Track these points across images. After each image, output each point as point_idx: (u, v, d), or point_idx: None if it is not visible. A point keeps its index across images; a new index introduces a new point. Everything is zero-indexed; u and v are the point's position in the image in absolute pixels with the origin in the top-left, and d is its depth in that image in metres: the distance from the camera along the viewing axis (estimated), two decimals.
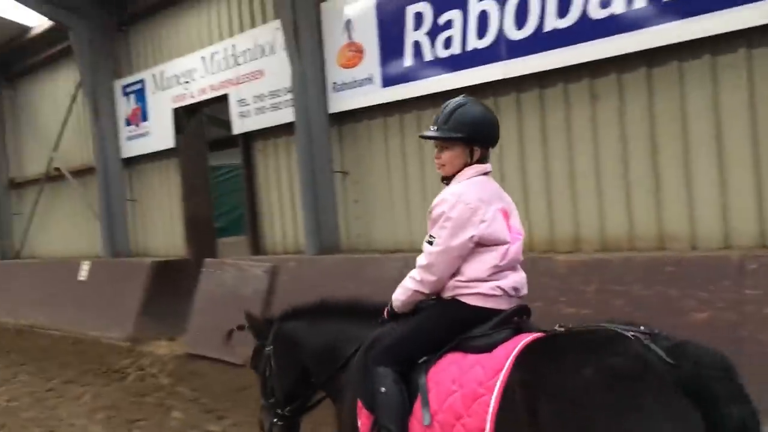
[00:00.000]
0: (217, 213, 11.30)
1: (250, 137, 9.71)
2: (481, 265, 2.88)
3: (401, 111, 7.90)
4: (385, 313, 3.16)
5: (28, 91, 14.65)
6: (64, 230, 14.08)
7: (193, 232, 10.70)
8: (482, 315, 2.84)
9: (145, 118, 11.35)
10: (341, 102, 8.28)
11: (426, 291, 2.96)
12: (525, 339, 2.66)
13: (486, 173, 3.06)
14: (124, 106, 11.75)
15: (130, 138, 11.75)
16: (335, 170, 8.44)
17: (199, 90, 10.21)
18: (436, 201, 2.98)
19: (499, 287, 2.87)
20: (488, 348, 2.71)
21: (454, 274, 2.91)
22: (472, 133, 2.98)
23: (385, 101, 7.91)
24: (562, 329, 2.63)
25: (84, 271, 11.68)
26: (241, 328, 3.81)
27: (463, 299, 2.89)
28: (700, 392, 2.14)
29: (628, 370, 2.22)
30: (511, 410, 2.45)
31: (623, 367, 2.23)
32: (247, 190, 9.72)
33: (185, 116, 10.74)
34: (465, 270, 2.90)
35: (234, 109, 9.58)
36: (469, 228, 2.85)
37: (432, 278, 2.92)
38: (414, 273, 3.01)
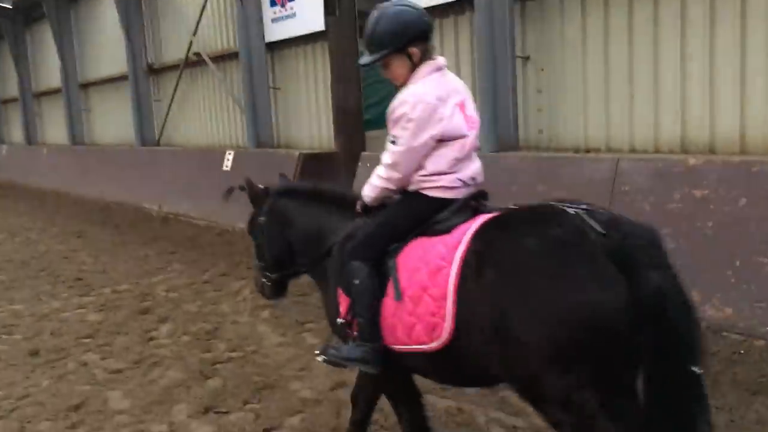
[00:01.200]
0: (365, 104, 10.51)
1: None
2: (441, 159, 3.04)
3: None
4: (359, 207, 3.35)
5: None
6: (203, 118, 13.78)
7: (341, 123, 9.98)
8: (444, 204, 3.05)
9: None
10: None
11: (393, 187, 3.18)
12: (482, 218, 2.88)
13: (439, 68, 3.10)
14: None
15: (274, 20, 10.97)
16: (517, 55, 7.33)
17: None
18: (395, 102, 3.04)
19: (458, 179, 3.06)
20: (450, 230, 2.92)
21: (417, 169, 3.07)
22: (395, 42, 3.04)
23: None
24: (515, 207, 2.86)
25: (228, 161, 11.32)
26: (241, 188, 3.88)
27: (426, 192, 3.08)
28: (625, 259, 2.35)
29: (565, 239, 2.45)
30: (468, 277, 2.69)
31: (560, 236, 2.47)
32: None
33: None
34: (427, 165, 3.06)
35: None
36: (429, 127, 2.99)
37: (397, 175, 3.11)
38: (380, 171, 3.19)
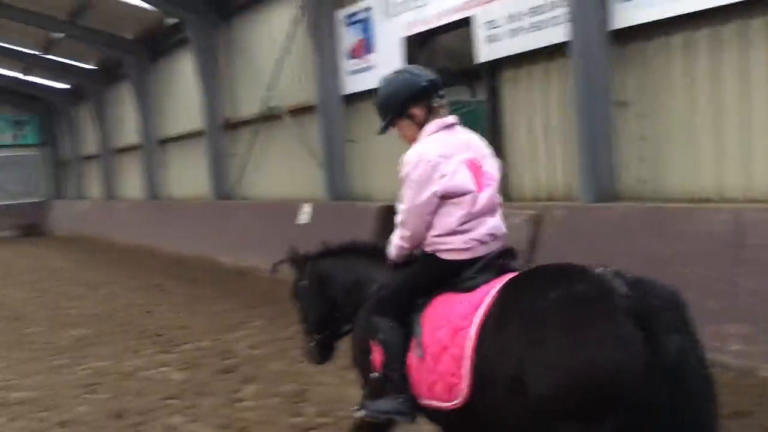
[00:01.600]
0: None
1: (496, 66, 8.45)
2: (449, 218, 3.04)
3: (712, 22, 6.23)
4: (389, 263, 3.40)
5: (244, 29, 14.36)
6: (279, 171, 13.80)
7: None
8: (463, 265, 3.04)
9: (369, 50, 10.45)
10: (625, 16, 6.74)
11: (407, 245, 3.23)
12: (506, 277, 2.88)
13: (446, 126, 3.15)
14: (347, 38, 10.94)
15: (352, 73, 10.95)
16: (615, 100, 6.96)
17: (435, 14, 9.07)
18: (401, 162, 3.12)
19: (471, 239, 3.04)
20: (473, 289, 2.94)
21: (428, 228, 3.09)
22: (393, 106, 3.19)
23: (687, 11, 6.28)
24: (541, 266, 2.89)
25: (305, 214, 11.20)
26: (284, 262, 4.02)
27: (440, 255, 3.10)
28: (646, 321, 2.35)
29: (587, 296, 2.47)
30: (488, 339, 2.68)
31: (583, 293, 2.48)
32: (489, 127, 8.51)
33: (416, 46, 9.67)
34: (436, 224, 3.08)
35: (480, 32, 8.33)
36: (431, 185, 3.02)
37: (408, 233, 3.17)
38: (396, 231, 3.27)
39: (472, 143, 3.18)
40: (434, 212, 3.06)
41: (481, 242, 3.06)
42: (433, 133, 3.13)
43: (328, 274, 3.75)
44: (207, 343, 7.65)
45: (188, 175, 18.05)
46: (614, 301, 2.40)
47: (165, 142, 19.27)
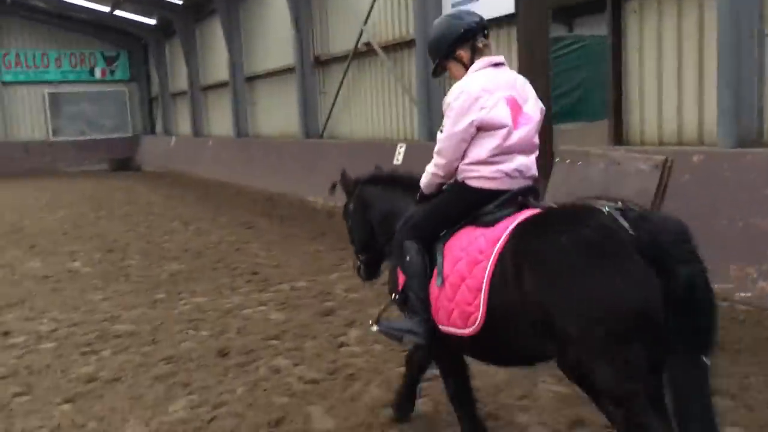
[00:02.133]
0: (553, 95, 9.57)
1: None
2: (481, 149, 3.22)
3: None
4: (418, 195, 3.59)
5: None
6: (371, 110, 13.37)
7: None
8: (488, 195, 3.22)
9: None
10: None
11: (441, 173, 3.40)
12: (523, 215, 3.03)
13: (495, 64, 3.33)
14: None
15: (456, 5, 10.28)
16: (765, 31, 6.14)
17: None
18: (447, 94, 3.31)
19: (500, 170, 3.21)
20: (493, 223, 3.11)
21: (462, 158, 3.28)
22: (440, 52, 3.41)
23: None
24: (555, 206, 3.16)
25: (399, 155, 10.78)
26: (337, 184, 4.24)
27: (469, 182, 3.28)
28: (655, 255, 2.50)
29: (594, 238, 2.62)
30: (503, 273, 2.88)
31: (590, 236, 2.63)
32: (612, 64, 7.78)
33: None
34: (469, 153, 3.26)
35: None
36: (469, 114, 3.19)
37: (442, 161, 3.33)
38: (433, 160, 3.41)
39: (517, 83, 3.33)
40: (469, 141, 3.24)
41: (509, 176, 3.23)
42: (478, 70, 3.30)
43: (369, 201, 3.94)
44: (303, 284, 7.46)
45: (277, 113, 17.88)
46: (620, 242, 2.56)
47: (254, 78, 19.11)
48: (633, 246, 2.53)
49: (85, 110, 28.81)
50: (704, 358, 2.47)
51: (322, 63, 14.94)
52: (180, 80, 25.41)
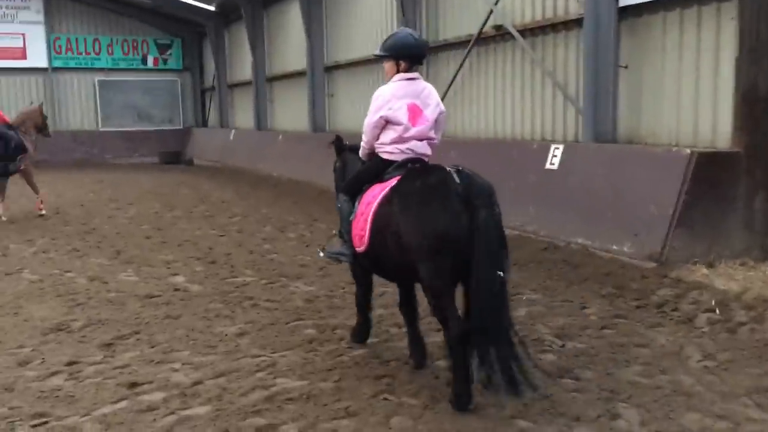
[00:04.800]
0: None
1: None
2: (387, 136, 4.72)
3: None
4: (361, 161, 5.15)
5: None
6: (499, 104, 11.48)
7: (748, 113, 7.28)
8: (390, 164, 4.71)
9: None
10: None
11: (366, 148, 4.95)
12: (405, 173, 4.49)
13: (409, 78, 4.76)
14: None
15: None
16: None
17: None
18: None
19: (398, 149, 4.69)
20: (388, 179, 4.57)
21: (377, 140, 4.79)
22: (395, 53, 4.76)
23: None
24: (421, 166, 4.60)
25: (555, 158, 8.97)
26: (331, 143, 5.56)
27: (381, 155, 4.79)
28: (468, 199, 3.93)
29: (433, 183, 4.09)
30: (381, 206, 4.38)
31: (431, 182, 4.11)
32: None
33: None
34: (381, 137, 4.76)
35: None
36: (380, 111, 4.69)
37: (365, 140, 4.90)
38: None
39: (423, 93, 4.76)
40: (381, 130, 4.74)
41: (403, 153, 4.68)
42: (397, 80, 4.75)
43: (347, 163, 5.31)
44: None
45: (360, 106, 16.16)
46: (450, 188, 3.99)
47: (333, 68, 17.45)
48: (455, 192, 3.97)
49: (136, 100, 27.34)
50: (499, 273, 3.87)
51: (439, 48, 13.03)
52: (239, 70, 23.84)
